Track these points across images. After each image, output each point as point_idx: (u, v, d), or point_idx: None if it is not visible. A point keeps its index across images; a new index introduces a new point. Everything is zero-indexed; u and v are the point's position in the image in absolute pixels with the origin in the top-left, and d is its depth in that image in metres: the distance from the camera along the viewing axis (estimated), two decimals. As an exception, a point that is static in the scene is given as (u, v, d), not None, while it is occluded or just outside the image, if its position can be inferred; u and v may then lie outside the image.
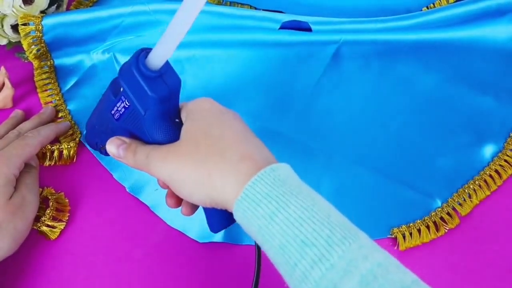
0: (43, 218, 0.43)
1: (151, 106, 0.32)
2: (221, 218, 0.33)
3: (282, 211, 0.27)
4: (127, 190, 0.46)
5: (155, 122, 0.33)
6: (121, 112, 0.34)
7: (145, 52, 0.31)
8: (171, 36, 0.29)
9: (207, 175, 0.30)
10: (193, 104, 0.34)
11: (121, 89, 0.33)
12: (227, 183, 0.29)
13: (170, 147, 0.32)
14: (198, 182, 0.30)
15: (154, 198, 0.45)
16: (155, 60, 0.31)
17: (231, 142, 0.31)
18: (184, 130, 0.33)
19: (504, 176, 0.45)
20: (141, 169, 0.34)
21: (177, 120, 0.34)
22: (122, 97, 0.33)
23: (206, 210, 0.34)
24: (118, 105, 0.34)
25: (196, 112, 0.33)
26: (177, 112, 0.34)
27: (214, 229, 0.35)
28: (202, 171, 0.30)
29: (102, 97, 0.37)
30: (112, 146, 0.35)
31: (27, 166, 0.43)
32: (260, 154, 0.31)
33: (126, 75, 0.32)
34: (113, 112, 0.35)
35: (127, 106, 0.33)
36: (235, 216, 0.29)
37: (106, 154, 0.37)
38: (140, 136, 0.34)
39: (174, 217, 0.44)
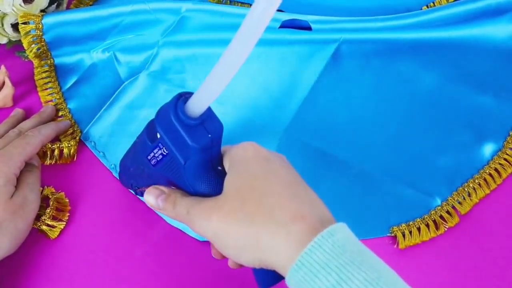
0: (43, 217, 0.43)
1: (192, 156, 0.30)
2: (270, 275, 0.30)
3: (344, 285, 0.24)
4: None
5: (196, 172, 0.31)
6: (158, 159, 0.32)
7: (184, 97, 0.29)
8: (214, 81, 0.27)
9: (255, 237, 0.27)
10: (236, 151, 0.31)
11: (158, 136, 0.31)
12: (278, 248, 0.27)
13: (214, 203, 0.29)
14: (246, 245, 0.28)
15: (154, 196, 0.45)
16: (196, 107, 0.29)
17: (279, 198, 0.28)
18: (227, 182, 0.30)
19: (504, 175, 0.45)
20: (183, 222, 0.32)
21: (219, 167, 0.32)
22: (160, 144, 0.31)
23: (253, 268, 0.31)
24: (155, 151, 0.32)
25: (240, 161, 0.30)
26: (219, 158, 0.32)
27: (262, 286, 0.32)
28: (250, 233, 0.28)
29: (137, 139, 0.35)
30: (150, 196, 0.33)
31: (29, 165, 0.43)
32: (312, 211, 0.28)
33: (163, 121, 0.30)
34: (149, 157, 0.33)
35: (165, 153, 0.31)
36: (288, 283, 0.27)
37: (142, 194, 0.35)
38: (179, 184, 0.32)
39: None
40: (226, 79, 0.26)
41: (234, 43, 0.25)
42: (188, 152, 0.29)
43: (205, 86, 0.27)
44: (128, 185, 0.41)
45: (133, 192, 0.41)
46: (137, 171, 0.36)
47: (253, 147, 0.31)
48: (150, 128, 0.32)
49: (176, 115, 0.29)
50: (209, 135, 0.29)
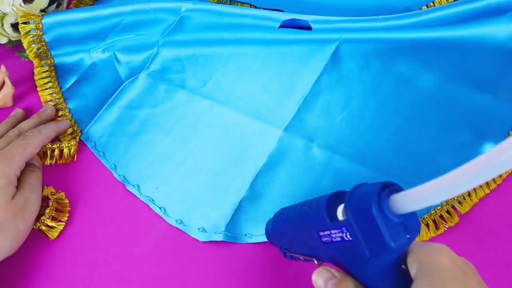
0: (42, 218, 0.43)
1: (383, 253, 0.26)
2: None
3: None
4: (127, 188, 0.46)
5: (379, 269, 0.27)
6: (334, 240, 0.29)
7: (389, 190, 0.26)
8: (447, 184, 0.22)
9: None
10: (428, 255, 0.27)
11: (341, 217, 0.28)
12: None
13: None
14: None
15: (154, 196, 0.45)
16: (408, 205, 0.25)
17: None
18: None
19: (504, 175, 0.44)
20: None
21: (403, 266, 0.28)
22: (344, 228, 0.28)
23: None
24: (333, 231, 0.29)
25: (433, 270, 0.26)
26: (404, 256, 0.29)
27: None
28: None
29: (308, 208, 0.31)
30: (320, 278, 0.30)
31: (31, 165, 0.43)
32: None
33: (358, 208, 0.27)
34: (322, 234, 0.30)
35: (346, 239, 0.28)
36: None
37: (290, 258, 0.34)
38: (349, 268, 0.30)
39: (174, 215, 0.44)
40: (469, 183, 0.21)
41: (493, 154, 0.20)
42: (379, 248, 0.26)
43: (433, 185, 0.23)
44: (275, 244, 0.38)
45: (98, 152, 0.38)
46: (297, 238, 0.34)
47: (448, 255, 0.27)
48: (331, 204, 0.29)
49: (380, 208, 0.25)
50: (408, 236, 0.26)
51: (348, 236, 0.27)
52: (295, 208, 0.34)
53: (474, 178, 0.21)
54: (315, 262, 0.32)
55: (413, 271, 0.27)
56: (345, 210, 0.27)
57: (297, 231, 0.33)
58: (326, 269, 0.30)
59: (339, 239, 0.28)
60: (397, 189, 0.26)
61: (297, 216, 0.33)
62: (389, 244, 0.25)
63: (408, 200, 0.25)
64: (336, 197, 0.29)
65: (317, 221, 0.30)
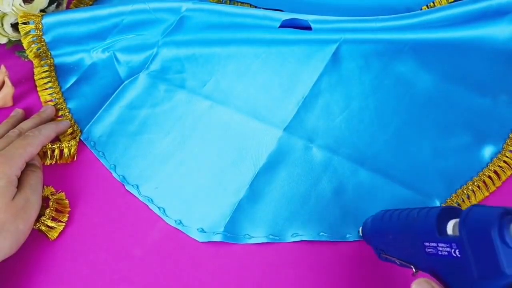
0: (42, 218, 0.43)
1: (493, 278, 0.26)
2: None
3: None
4: (127, 188, 0.46)
5: None
6: (439, 253, 0.29)
7: (511, 216, 0.26)
8: None
9: None
10: None
11: (451, 233, 0.28)
12: None
13: None
14: None
15: (153, 196, 0.45)
16: None
17: None
18: None
19: (503, 177, 0.44)
20: None
21: None
22: (453, 244, 0.27)
23: None
24: (440, 245, 0.29)
25: None
26: (510, 284, 0.29)
27: None
28: None
29: (415, 214, 0.31)
30: None
31: (31, 166, 0.43)
32: None
33: (475, 229, 0.26)
34: (427, 244, 0.30)
35: (454, 255, 0.28)
36: None
37: (385, 260, 0.34)
38: (449, 284, 0.29)
39: (173, 216, 0.44)
40: None
41: None
42: (491, 272, 0.26)
43: None
44: (370, 243, 0.38)
45: (97, 152, 0.39)
46: (397, 242, 0.33)
47: None
48: (442, 217, 0.29)
49: (500, 234, 0.25)
50: None
51: (457, 253, 0.27)
52: (400, 213, 0.33)
53: None
54: (413, 269, 0.32)
55: None
56: (458, 227, 0.27)
57: (399, 236, 0.33)
58: (427, 281, 0.30)
59: (445, 253, 0.28)
60: None
61: (402, 221, 0.33)
62: (504, 271, 0.25)
63: None
64: (447, 212, 0.29)
65: (424, 231, 0.30)
